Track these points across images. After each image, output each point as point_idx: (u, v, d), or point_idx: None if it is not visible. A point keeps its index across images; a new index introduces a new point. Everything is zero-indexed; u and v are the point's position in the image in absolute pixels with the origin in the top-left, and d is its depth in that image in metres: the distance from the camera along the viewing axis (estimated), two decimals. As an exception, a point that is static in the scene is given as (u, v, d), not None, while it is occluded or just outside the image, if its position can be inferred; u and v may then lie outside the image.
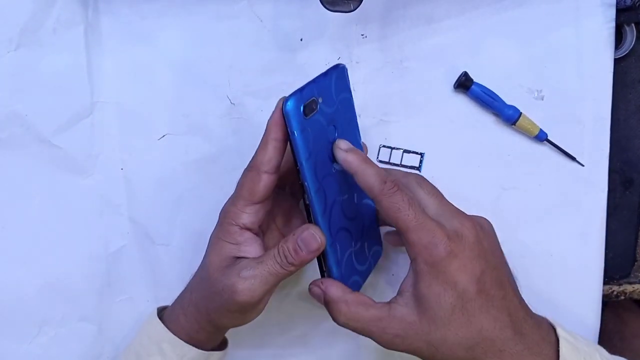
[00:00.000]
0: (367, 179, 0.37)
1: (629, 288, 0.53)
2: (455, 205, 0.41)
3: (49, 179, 0.48)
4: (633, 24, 0.48)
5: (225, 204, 0.41)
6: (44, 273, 0.49)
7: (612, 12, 0.47)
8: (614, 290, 0.53)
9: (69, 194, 0.48)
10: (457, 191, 0.49)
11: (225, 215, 0.40)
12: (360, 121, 0.48)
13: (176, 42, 0.48)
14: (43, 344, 0.49)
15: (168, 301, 0.45)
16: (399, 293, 0.39)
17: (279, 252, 0.38)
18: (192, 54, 0.48)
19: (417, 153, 0.49)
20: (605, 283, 0.52)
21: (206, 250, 0.42)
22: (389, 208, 0.36)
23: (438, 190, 0.41)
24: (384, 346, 0.38)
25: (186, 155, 0.49)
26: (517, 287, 0.40)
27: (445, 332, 0.36)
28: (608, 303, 0.52)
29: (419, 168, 0.49)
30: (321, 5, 0.41)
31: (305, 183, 0.37)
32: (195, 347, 0.42)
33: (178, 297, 0.45)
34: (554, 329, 0.39)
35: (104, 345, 0.50)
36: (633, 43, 0.48)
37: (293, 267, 0.38)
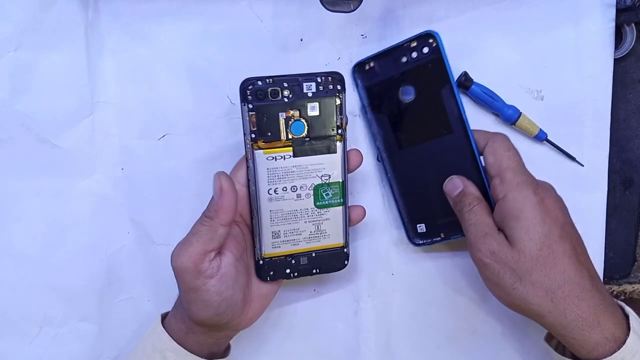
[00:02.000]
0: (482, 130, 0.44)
1: (628, 288, 0.53)
2: None
3: (50, 179, 0.48)
4: (633, 24, 0.48)
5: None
6: (44, 273, 0.49)
7: (612, 12, 0.47)
8: (613, 290, 0.53)
9: (69, 194, 0.48)
10: (457, 191, 0.49)
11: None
12: (360, 121, 0.48)
13: (176, 42, 0.48)
14: (43, 343, 0.49)
15: (168, 301, 0.45)
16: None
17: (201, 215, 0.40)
18: (192, 54, 0.48)
19: (417, 153, 0.49)
20: (605, 283, 0.52)
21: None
22: (501, 146, 0.42)
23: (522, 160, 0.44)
24: (475, 253, 0.41)
25: (186, 155, 0.49)
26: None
27: (532, 265, 0.39)
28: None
29: (419, 168, 0.49)
30: (321, 5, 0.41)
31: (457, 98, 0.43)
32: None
33: (174, 310, 0.44)
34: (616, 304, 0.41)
35: (104, 345, 0.50)
36: (633, 43, 0.48)
37: (208, 220, 0.39)
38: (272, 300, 0.45)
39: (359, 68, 0.46)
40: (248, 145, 0.41)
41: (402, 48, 0.44)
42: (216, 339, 0.43)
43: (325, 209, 0.43)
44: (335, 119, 0.41)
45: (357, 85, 0.47)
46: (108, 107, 0.48)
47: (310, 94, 0.41)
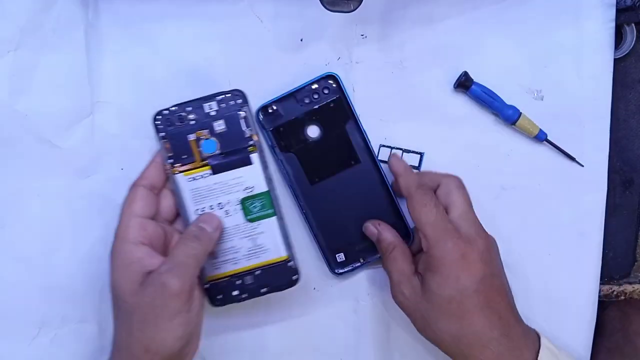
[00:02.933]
0: (409, 180, 0.43)
1: (629, 288, 0.53)
2: None
3: (49, 179, 0.48)
4: (633, 24, 0.48)
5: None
6: (44, 273, 0.48)
7: (612, 12, 0.47)
8: (614, 290, 0.53)
9: (69, 194, 0.48)
10: (457, 191, 0.49)
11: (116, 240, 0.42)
12: (362, 124, 0.48)
13: (176, 42, 0.48)
14: (43, 344, 0.49)
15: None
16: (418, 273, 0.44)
17: (185, 237, 0.41)
18: (192, 54, 0.48)
19: (416, 153, 0.49)
20: (605, 283, 0.52)
21: (114, 296, 0.41)
22: (418, 202, 0.42)
23: (469, 200, 0.44)
24: (393, 295, 0.44)
25: (186, 155, 0.48)
26: (512, 299, 0.44)
27: (439, 316, 0.41)
28: (615, 300, 0.53)
29: (418, 168, 0.49)
30: (321, 5, 0.41)
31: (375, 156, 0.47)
32: None
33: None
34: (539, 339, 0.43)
35: (103, 346, 0.50)
36: (633, 43, 0.48)
37: (198, 244, 0.41)
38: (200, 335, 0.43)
39: (262, 112, 0.47)
40: (168, 171, 0.44)
41: (303, 90, 0.47)
42: None
43: (257, 222, 0.44)
44: (243, 131, 0.44)
45: (263, 128, 0.47)
46: (108, 107, 0.48)
47: (213, 113, 0.44)
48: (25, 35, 0.46)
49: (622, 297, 0.53)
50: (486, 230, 0.44)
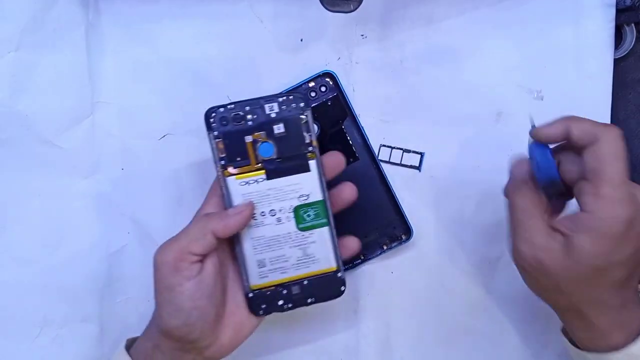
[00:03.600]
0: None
1: (628, 287, 0.53)
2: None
3: (50, 179, 0.48)
4: (633, 24, 0.48)
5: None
6: (44, 273, 0.49)
7: (612, 13, 0.47)
8: (613, 290, 0.53)
9: (69, 194, 0.48)
10: (457, 191, 0.49)
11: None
12: (360, 121, 0.48)
13: (176, 42, 0.48)
14: (44, 344, 0.49)
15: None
16: (559, 223, 0.38)
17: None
18: (192, 54, 0.48)
19: (417, 152, 0.49)
20: (604, 282, 0.52)
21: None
22: (613, 145, 0.37)
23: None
24: (514, 245, 0.38)
25: (187, 155, 0.49)
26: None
27: (575, 283, 0.37)
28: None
29: (418, 167, 0.49)
30: (321, 6, 0.42)
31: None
32: None
33: (145, 330, 0.42)
34: None
35: (105, 345, 0.50)
36: (633, 43, 0.48)
37: (204, 222, 0.39)
38: (249, 335, 0.43)
39: None
40: (219, 173, 0.40)
41: (300, 88, 0.47)
42: None
43: (309, 232, 0.41)
44: (303, 136, 0.40)
45: None
46: (108, 107, 0.48)
47: (273, 115, 0.40)
48: (26, 35, 0.46)
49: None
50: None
